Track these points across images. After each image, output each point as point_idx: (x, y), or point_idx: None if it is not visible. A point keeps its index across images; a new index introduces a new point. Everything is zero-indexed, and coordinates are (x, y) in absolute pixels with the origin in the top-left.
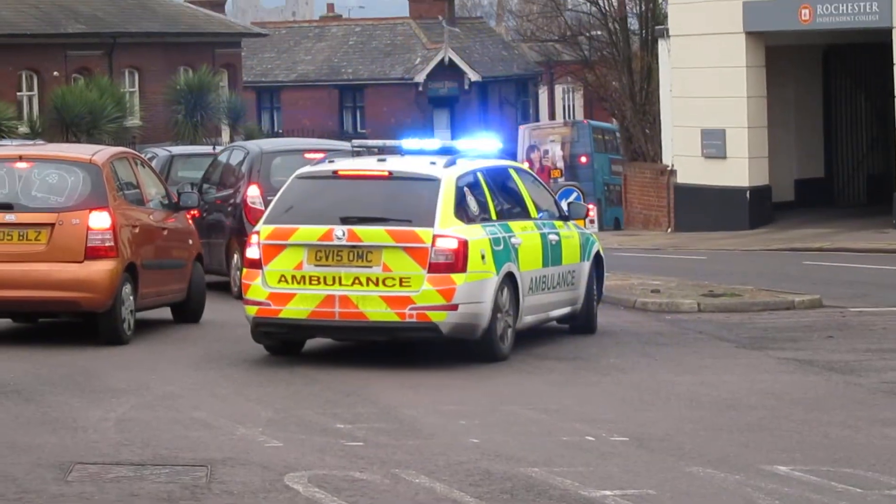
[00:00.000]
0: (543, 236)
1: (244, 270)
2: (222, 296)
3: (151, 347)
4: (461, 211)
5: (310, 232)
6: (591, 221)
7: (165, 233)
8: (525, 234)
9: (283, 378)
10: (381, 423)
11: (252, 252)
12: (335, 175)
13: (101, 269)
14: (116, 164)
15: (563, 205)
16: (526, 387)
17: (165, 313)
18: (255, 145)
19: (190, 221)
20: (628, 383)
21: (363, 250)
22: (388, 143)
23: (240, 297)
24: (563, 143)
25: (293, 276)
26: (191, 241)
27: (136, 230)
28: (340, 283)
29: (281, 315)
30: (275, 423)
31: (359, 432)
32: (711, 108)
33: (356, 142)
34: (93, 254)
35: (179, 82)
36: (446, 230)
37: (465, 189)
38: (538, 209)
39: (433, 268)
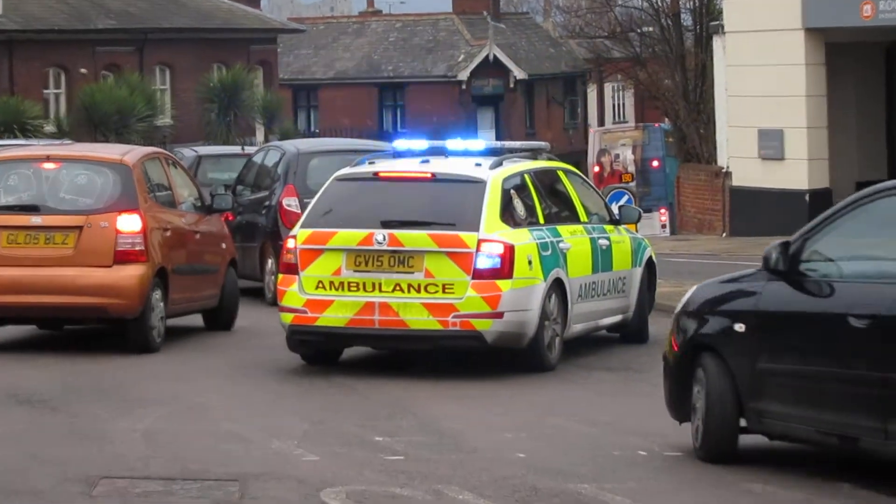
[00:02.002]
0: (593, 241)
1: (280, 276)
2: (256, 302)
3: (182, 356)
4: (507, 214)
5: (349, 236)
6: (664, 226)
7: (198, 236)
8: (574, 238)
9: (319, 389)
10: (423, 436)
11: (288, 256)
12: (376, 177)
13: (130, 274)
14: (148, 165)
15: (614, 208)
16: (574, 398)
17: (197, 320)
18: (292, 146)
19: (224, 225)
20: None
21: (404, 255)
22: (432, 143)
23: (274, 303)
24: (634, 146)
25: (331, 283)
26: (224, 245)
27: (168, 233)
28: (380, 290)
29: (318, 323)
30: (311, 435)
31: (399, 446)
32: (769, 108)
33: (398, 142)
34: (122, 258)
35: (212, 80)
36: (492, 234)
37: (512, 192)
38: (588, 213)
39: (478, 274)
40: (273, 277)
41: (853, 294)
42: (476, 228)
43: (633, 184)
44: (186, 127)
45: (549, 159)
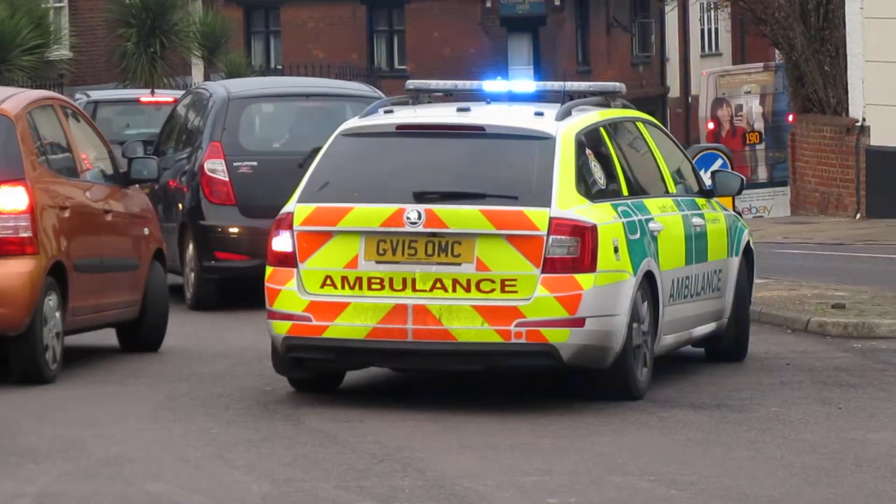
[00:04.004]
0: (686, 220)
1: (269, 269)
2: (183, 306)
3: (88, 388)
4: (584, 183)
5: (370, 213)
6: None
7: (110, 218)
8: (665, 216)
9: (285, 434)
10: (432, 501)
11: (282, 242)
12: (400, 131)
13: (12, 271)
14: (37, 116)
15: (704, 176)
16: (646, 447)
17: (109, 338)
18: (221, 87)
19: (147, 201)
20: (798, 443)
21: (448, 240)
22: (461, 84)
23: (197, 307)
24: (763, 95)
25: (344, 279)
26: (147, 231)
27: (67, 214)
28: (414, 289)
29: (327, 334)
30: (273, 500)
31: None
32: None
33: (412, 82)
34: (1, 249)
35: None
36: (568, 211)
37: (588, 151)
38: (674, 181)
39: (550, 265)
40: (191, 272)
41: None
42: (547, 203)
43: (761, 146)
44: (92, 62)
45: (624, 107)
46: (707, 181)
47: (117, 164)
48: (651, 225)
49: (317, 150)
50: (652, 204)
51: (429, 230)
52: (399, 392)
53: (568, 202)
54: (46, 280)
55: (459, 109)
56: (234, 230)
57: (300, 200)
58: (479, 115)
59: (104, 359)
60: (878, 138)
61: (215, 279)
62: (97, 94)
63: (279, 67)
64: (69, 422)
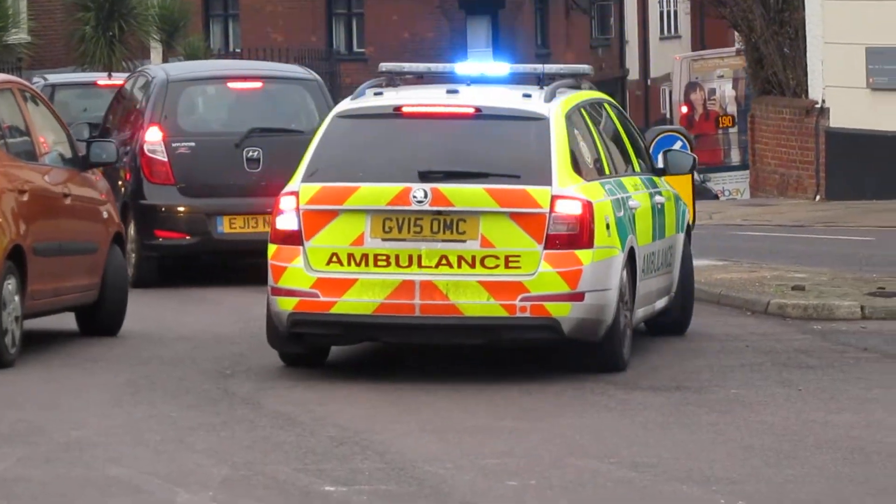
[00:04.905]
0: (651, 197)
1: (272, 247)
2: (144, 293)
3: (48, 372)
4: (577, 162)
5: (376, 192)
6: None
7: (69, 201)
8: (638, 194)
9: (245, 418)
10: (392, 483)
11: (286, 221)
12: (398, 113)
13: None
14: None
15: (659, 157)
16: (606, 429)
17: (68, 322)
18: (161, 70)
19: (106, 184)
20: (758, 425)
21: (453, 218)
22: (434, 67)
23: (137, 285)
24: (735, 78)
25: (350, 256)
26: (106, 214)
27: (25, 197)
28: (420, 265)
29: (334, 309)
30: (232, 484)
31: (359, 498)
32: (882, 17)
33: (386, 65)
34: None
35: None
36: (567, 189)
37: (576, 132)
38: (637, 160)
39: (552, 241)
40: (132, 250)
41: None
42: (547, 181)
43: (734, 129)
44: (50, 45)
45: (591, 89)
46: (659, 161)
47: (76, 148)
48: (630, 203)
49: (253, 131)
50: (628, 182)
51: (435, 208)
52: (358, 375)
53: (566, 181)
54: (5, 264)
55: (449, 91)
56: (173, 209)
57: (304, 180)
58: (472, 97)
59: (64, 343)
60: (837, 120)
61: (155, 257)
62: (54, 78)
63: (238, 51)
64: (29, 406)
